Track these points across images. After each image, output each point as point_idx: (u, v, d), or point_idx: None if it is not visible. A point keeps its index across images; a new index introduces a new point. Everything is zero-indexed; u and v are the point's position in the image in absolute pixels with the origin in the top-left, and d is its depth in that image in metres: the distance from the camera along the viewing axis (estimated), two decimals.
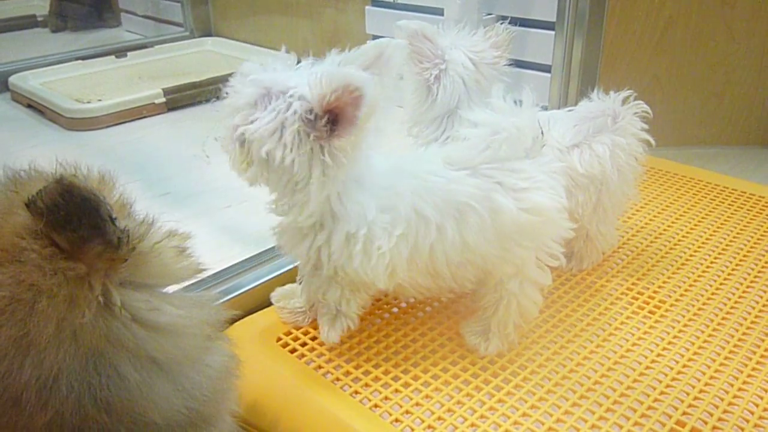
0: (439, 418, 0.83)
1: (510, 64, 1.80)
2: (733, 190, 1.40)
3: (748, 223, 1.28)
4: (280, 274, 1.12)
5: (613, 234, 1.11)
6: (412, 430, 0.82)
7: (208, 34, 2.68)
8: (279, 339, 0.97)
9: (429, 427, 0.82)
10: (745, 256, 1.17)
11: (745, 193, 1.39)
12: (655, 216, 1.31)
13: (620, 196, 1.05)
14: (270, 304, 1.03)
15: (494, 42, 1.06)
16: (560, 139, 1.02)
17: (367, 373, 0.91)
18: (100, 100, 2.00)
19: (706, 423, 0.81)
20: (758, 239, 1.22)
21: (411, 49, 1.01)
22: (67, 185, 0.53)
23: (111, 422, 0.59)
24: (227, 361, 0.71)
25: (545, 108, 1.45)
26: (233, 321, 1.00)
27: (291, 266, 1.12)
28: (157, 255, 0.62)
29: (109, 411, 0.58)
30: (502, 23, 1.07)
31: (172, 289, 0.67)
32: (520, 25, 1.75)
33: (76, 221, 0.53)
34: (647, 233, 1.25)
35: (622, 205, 1.08)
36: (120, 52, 2.43)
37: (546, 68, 1.70)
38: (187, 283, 0.69)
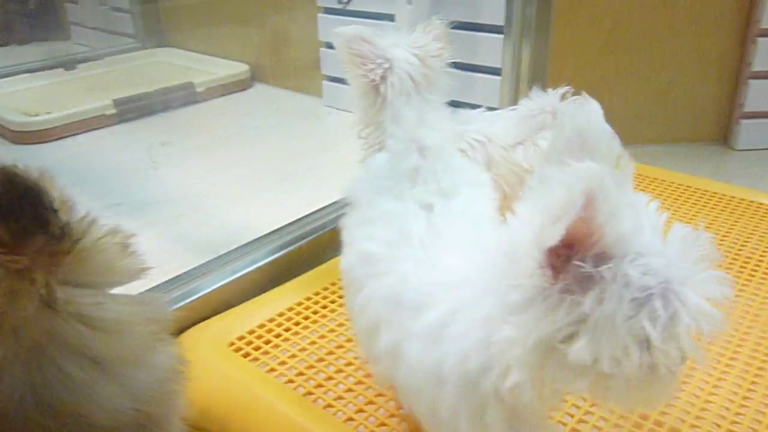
0: (392, 416, 0.83)
1: (460, 67, 1.83)
2: (679, 185, 1.44)
3: (693, 216, 1.31)
4: (234, 279, 1.11)
5: None
6: (366, 428, 0.81)
7: (160, 44, 2.65)
8: (232, 344, 0.96)
9: (383, 424, 0.82)
10: None
11: (690, 187, 1.43)
12: None
13: None
14: (224, 309, 1.03)
15: (435, 35, 1.06)
16: (504, 137, 1.04)
17: (320, 373, 0.91)
18: (49, 113, 1.96)
19: None
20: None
21: (351, 53, 1.01)
22: (9, 174, 0.51)
23: (55, 426, 0.57)
24: (174, 362, 0.70)
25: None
26: (186, 326, 1.00)
27: (244, 272, 1.11)
28: (100, 251, 0.61)
29: (54, 413, 0.57)
30: (439, 19, 1.08)
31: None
32: (469, 30, 1.78)
33: (18, 212, 0.52)
34: None
35: None
36: (69, 64, 2.39)
37: (496, 71, 1.73)
38: (133, 284, 0.68)
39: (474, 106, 1.84)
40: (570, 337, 0.47)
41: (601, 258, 0.45)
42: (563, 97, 1.06)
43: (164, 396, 0.68)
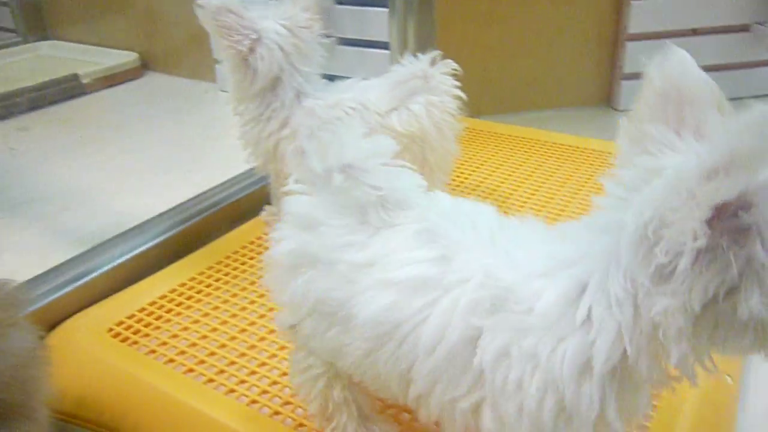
0: (275, 383, 0.83)
1: (350, 43, 1.84)
2: (568, 146, 1.49)
3: (572, 173, 1.36)
4: (115, 265, 1.08)
5: (442, 190, 1.15)
6: (247, 397, 0.81)
7: (43, 38, 2.53)
8: (110, 329, 0.94)
9: (264, 392, 0.82)
10: (567, 204, 1.24)
11: (579, 147, 1.48)
12: (488, 175, 1.37)
13: (443, 152, 1.08)
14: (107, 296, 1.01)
15: (303, 6, 1.06)
16: (378, 104, 1.04)
17: (202, 350, 0.90)
18: None
19: None
20: (579, 188, 1.30)
21: (217, 25, 1.00)
22: None
23: None
24: (30, 347, 0.68)
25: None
26: (68, 316, 0.97)
27: (121, 260, 1.09)
28: None
29: None
30: None
31: None
32: (355, 5, 1.78)
33: None
34: (481, 190, 1.30)
35: (447, 162, 1.12)
36: None
37: (385, 45, 1.74)
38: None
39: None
40: (733, 292, 0.44)
41: (747, 204, 0.42)
42: (432, 62, 1.08)
43: (21, 382, 0.66)
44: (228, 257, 1.11)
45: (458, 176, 1.36)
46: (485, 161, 1.43)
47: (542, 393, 0.50)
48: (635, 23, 1.79)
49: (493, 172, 1.38)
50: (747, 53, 1.87)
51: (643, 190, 0.46)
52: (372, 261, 0.59)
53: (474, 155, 1.45)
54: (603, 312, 0.48)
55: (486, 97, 1.85)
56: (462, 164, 1.40)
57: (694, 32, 1.83)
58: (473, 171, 1.38)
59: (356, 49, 1.83)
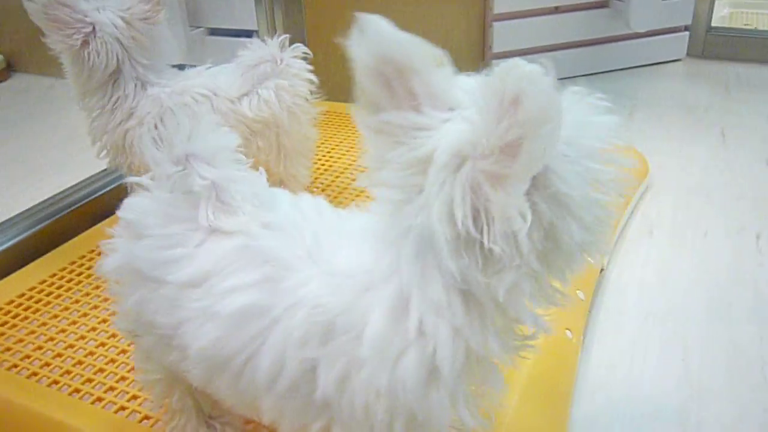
0: (123, 378, 0.81)
1: (218, 33, 1.80)
2: None
3: None
4: None
5: (304, 174, 1.15)
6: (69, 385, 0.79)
7: None
8: None
9: (111, 389, 0.80)
10: None
11: None
12: (344, 153, 1.37)
13: (298, 136, 1.08)
14: None
15: None
16: (228, 90, 1.03)
17: (48, 352, 0.86)
18: None
19: None
20: None
21: (48, 18, 0.96)
22: None
23: None
24: None
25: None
26: None
27: None
28: None
29: None
30: None
31: None
32: None
33: None
34: (334, 169, 1.31)
35: (305, 146, 1.11)
36: None
37: (252, 34, 1.71)
38: None
39: None
40: (550, 233, 0.45)
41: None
42: (282, 45, 1.07)
43: None
44: (83, 257, 1.07)
45: (327, 160, 1.36)
46: (341, 142, 1.43)
47: (390, 416, 0.49)
48: (500, 3, 1.84)
49: (348, 150, 1.39)
50: (607, 28, 1.96)
51: (420, 184, 0.44)
52: (196, 281, 0.56)
53: (345, 138, 1.46)
54: (434, 319, 0.46)
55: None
56: (333, 148, 1.40)
57: (557, 9, 1.90)
58: (343, 155, 1.39)
59: (224, 38, 1.80)
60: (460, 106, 0.45)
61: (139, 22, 1.01)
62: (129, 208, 0.61)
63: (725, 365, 0.88)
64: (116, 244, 0.62)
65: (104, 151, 1.07)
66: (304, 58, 1.09)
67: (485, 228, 0.42)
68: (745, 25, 2.48)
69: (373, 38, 0.44)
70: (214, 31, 1.81)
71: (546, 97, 0.38)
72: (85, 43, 0.98)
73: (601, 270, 1.05)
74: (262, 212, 0.58)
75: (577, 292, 0.92)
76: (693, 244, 1.15)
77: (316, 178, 1.27)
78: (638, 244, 1.15)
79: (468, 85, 0.46)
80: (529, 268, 0.44)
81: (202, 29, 1.80)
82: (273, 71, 1.05)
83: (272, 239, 0.55)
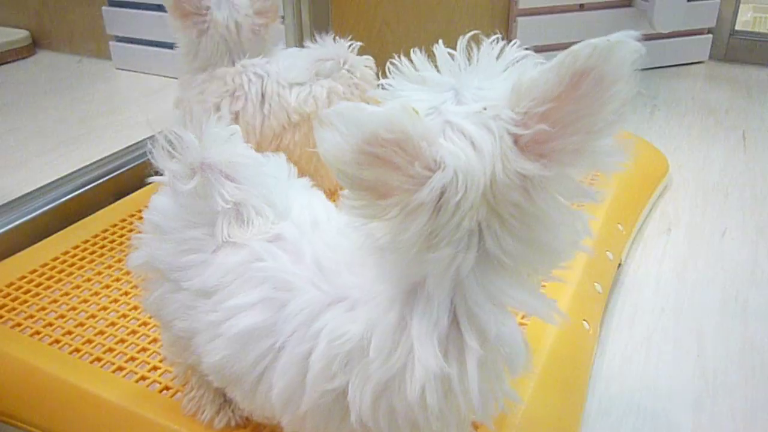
0: (144, 349, 0.83)
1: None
2: None
3: None
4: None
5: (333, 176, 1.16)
6: (113, 364, 0.80)
7: None
8: None
9: (132, 359, 0.81)
10: None
11: None
12: None
13: None
14: None
15: (258, 7, 1.07)
16: (284, 74, 1.04)
17: (69, 321, 0.88)
18: None
19: None
20: None
21: (175, 6, 1.03)
22: None
23: None
24: None
25: None
26: None
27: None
28: None
29: None
30: None
31: None
32: None
33: None
34: None
35: None
36: None
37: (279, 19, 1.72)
38: None
39: None
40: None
41: None
42: (350, 48, 1.08)
43: None
44: (105, 230, 1.08)
45: None
46: None
47: (442, 421, 0.49)
48: None
49: None
50: (631, 27, 1.95)
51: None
52: (207, 291, 0.58)
53: None
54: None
55: (384, 71, 1.86)
56: None
57: (581, 7, 1.89)
58: None
59: None
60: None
61: (249, 29, 1.06)
62: (152, 209, 0.63)
63: (739, 360, 0.89)
64: (143, 241, 0.63)
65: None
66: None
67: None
68: None
69: (350, 125, 0.41)
70: None
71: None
72: (200, 33, 1.05)
73: (619, 265, 1.06)
74: (271, 224, 0.59)
75: (595, 284, 0.93)
76: (710, 242, 1.15)
77: None
78: (656, 241, 1.16)
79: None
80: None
81: None
82: (333, 70, 1.05)
83: (275, 258, 0.56)
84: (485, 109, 0.44)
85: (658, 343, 0.92)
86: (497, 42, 0.48)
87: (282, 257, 0.56)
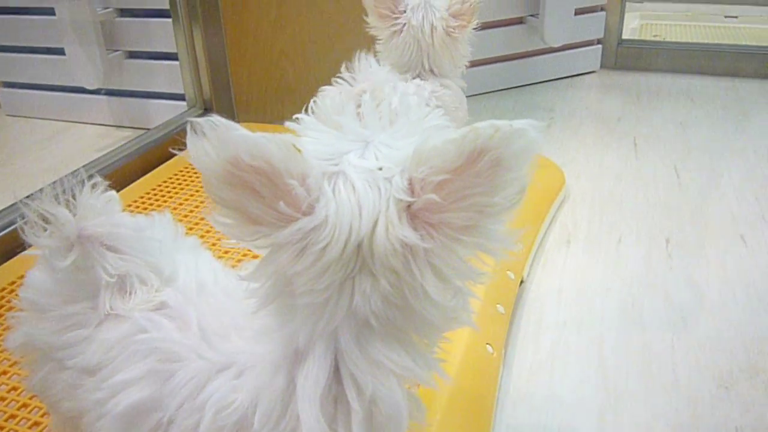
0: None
1: (137, 56, 1.77)
2: None
3: None
4: None
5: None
6: None
7: None
8: None
9: None
10: None
11: None
12: None
13: None
14: None
15: (455, 10, 1.10)
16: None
17: None
18: None
19: None
20: None
21: (375, 7, 1.12)
22: None
23: None
24: None
25: None
26: None
27: None
28: None
29: None
30: None
31: None
32: (139, 16, 1.72)
33: None
34: None
35: None
36: None
37: (173, 56, 1.70)
38: None
39: (158, 95, 1.80)
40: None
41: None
42: None
43: None
44: None
45: None
46: None
47: None
48: None
49: None
50: (524, 43, 2.02)
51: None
52: (91, 369, 0.55)
53: None
54: (371, 380, 0.46)
55: (286, 101, 1.86)
56: None
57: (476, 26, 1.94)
58: None
59: (144, 61, 1.77)
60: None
61: (443, 32, 1.10)
62: (28, 286, 0.60)
63: (639, 369, 0.92)
64: (20, 320, 0.60)
65: None
66: None
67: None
68: (654, 36, 2.60)
69: (218, 141, 0.41)
70: (132, 54, 1.78)
71: None
72: (395, 33, 1.12)
73: (521, 282, 1.08)
74: (155, 291, 0.57)
75: (497, 306, 0.95)
76: (607, 252, 1.19)
77: None
78: (556, 254, 1.19)
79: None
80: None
81: (119, 53, 1.77)
82: None
83: (160, 328, 0.54)
84: (381, 169, 0.44)
85: (561, 358, 0.95)
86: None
87: (167, 326, 0.55)
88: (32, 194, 0.60)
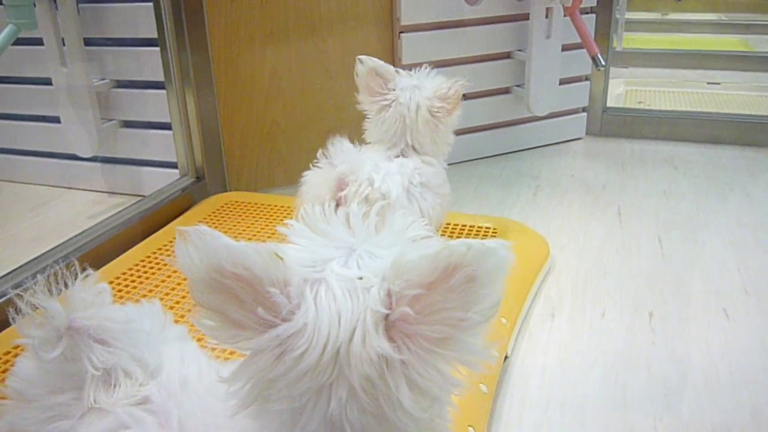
0: None
1: (130, 125, 1.80)
2: None
3: None
4: None
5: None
6: None
7: None
8: None
9: None
10: None
11: None
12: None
13: None
14: None
15: (441, 94, 1.16)
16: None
17: None
18: None
19: None
20: None
21: (364, 81, 1.20)
22: None
23: None
24: None
25: None
26: None
27: None
28: None
29: None
30: (459, 81, 1.19)
31: None
32: (134, 87, 1.76)
33: None
34: None
35: None
36: None
37: (167, 126, 1.73)
38: None
39: (150, 163, 1.83)
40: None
41: None
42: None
43: None
44: None
45: None
46: (273, 234, 1.45)
47: None
48: None
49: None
50: (510, 112, 2.07)
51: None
52: None
53: (264, 227, 1.48)
54: None
55: (277, 170, 1.89)
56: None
57: (463, 97, 1.99)
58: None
59: (138, 131, 1.81)
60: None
61: (426, 111, 1.16)
62: (15, 375, 0.61)
63: None
64: (5, 408, 0.61)
65: None
66: None
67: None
68: (639, 103, 2.67)
69: (203, 248, 0.44)
70: (127, 123, 1.81)
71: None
72: (383, 108, 1.19)
73: (506, 357, 1.09)
74: (139, 386, 0.58)
75: (480, 385, 0.95)
76: (591, 326, 1.20)
77: None
78: (541, 329, 1.20)
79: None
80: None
81: (115, 121, 1.81)
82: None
83: (141, 424, 0.56)
84: (361, 278, 0.46)
85: None
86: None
87: (149, 422, 0.56)
88: (25, 284, 0.61)
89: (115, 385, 0.59)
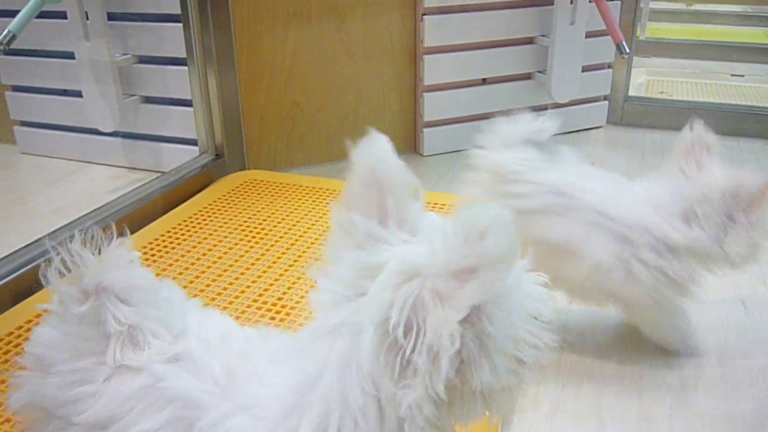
0: None
1: (152, 101, 1.81)
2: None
3: None
4: None
5: None
6: None
7: None
8: None
9: None
10: None
11: None
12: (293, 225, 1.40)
13: None
14: None
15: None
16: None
17: None
18: None
19: None
20: None
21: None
22: None
23: None
24: None
25: None
26: None
27: None
28: None
29: None
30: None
31: None
32: (156, 63, 1.77)
33: None
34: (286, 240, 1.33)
35: None
36: None
37: (188, 102, 1.74)
38: None
39: (171, 139, 1.84)
40: (461, 367, 0.48)
41: None
42: None
43: None
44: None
45: (264, 228, 1.37)
46: (290, 213, 1.46)
47: None
48: (429, 75, 1.91)
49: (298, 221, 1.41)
50: (532, 98, 2.05)
51: (366, 288, 0.48)
52: (103, 422, 0.56)
53: (281, 207, 1.48)
54: (351, 429, 0.48)
55: (297, 150, 1.89)
56: (270, 216, 1.42)
57: (484, 81, 1.99)
58: (279, 222, 1.41)
59: (159, 107, 1.82)
60: (422, 234, 0.50)
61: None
62: (35, 341, 0.61)
63: None
64: (23, 379, 0.61)
65: None
66: None
67: (413, 338, 0.45)
68: (660, 93, 2.64)
69: (374, 153, 0.51)
70: (148, 99, 1.82)
71: (508, 238, 0.43)
72: None
73: None
74: (168, 344, 0.58)
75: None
76: (607, 315, 1.20)
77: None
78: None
79: (434, 220, 0.52)
80: (434, 392, 0.46)
81: (136, 97, 1.82)
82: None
83: (179, 377, 0.56)
84: None
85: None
86: None
87: (185, 375, 0.56)
88: (60, 237, 0.62)
89: (144, 346, 0.59)
